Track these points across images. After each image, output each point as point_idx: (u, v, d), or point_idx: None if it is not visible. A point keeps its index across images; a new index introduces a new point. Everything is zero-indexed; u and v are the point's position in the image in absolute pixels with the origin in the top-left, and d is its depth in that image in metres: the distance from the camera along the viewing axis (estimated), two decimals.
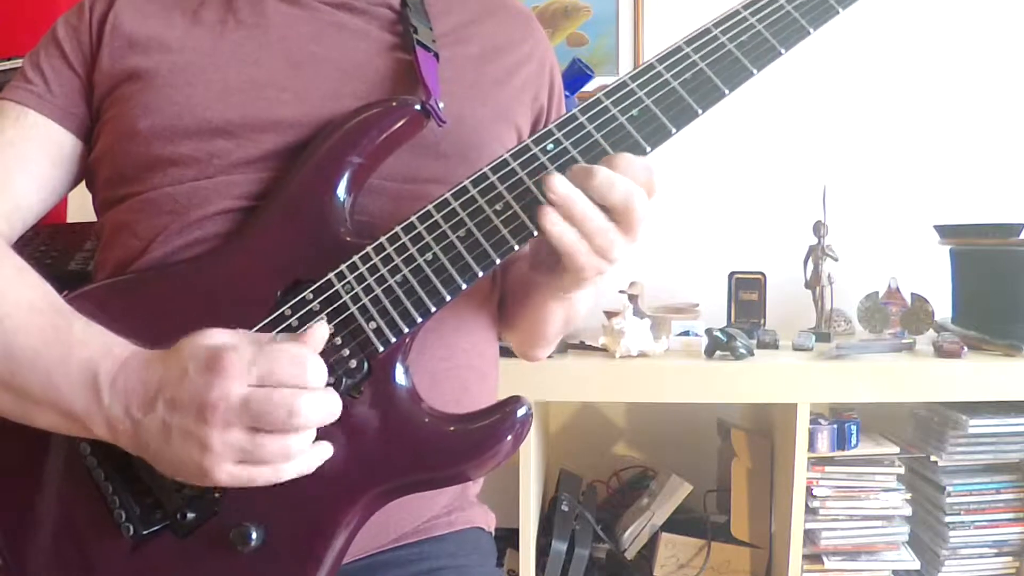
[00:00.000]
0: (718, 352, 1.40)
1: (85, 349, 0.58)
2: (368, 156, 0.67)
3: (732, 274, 1.67)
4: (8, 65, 1.16)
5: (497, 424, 0.60)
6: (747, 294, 1.65)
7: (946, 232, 1.60)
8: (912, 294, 1.65)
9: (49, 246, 1.07)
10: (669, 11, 1.83)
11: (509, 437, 0.60)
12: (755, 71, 0.64)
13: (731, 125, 1.76)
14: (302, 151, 0.68)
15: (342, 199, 0.66)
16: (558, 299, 0.72)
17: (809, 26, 0.65)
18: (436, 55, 0.74)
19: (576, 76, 1.41)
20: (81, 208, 0.97)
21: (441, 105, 0.69)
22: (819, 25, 0.65)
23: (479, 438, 0.61)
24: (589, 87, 1.49)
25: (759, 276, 1.66)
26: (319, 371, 0.55)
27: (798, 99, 1.79)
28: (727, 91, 0.63)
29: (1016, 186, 1.81)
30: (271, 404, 0.53)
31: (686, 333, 1.53)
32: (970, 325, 1.51)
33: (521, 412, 0.61)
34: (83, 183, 0.77)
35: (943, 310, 1.61)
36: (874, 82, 1.81)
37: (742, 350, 1.38)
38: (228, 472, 0.54)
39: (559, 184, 0.58)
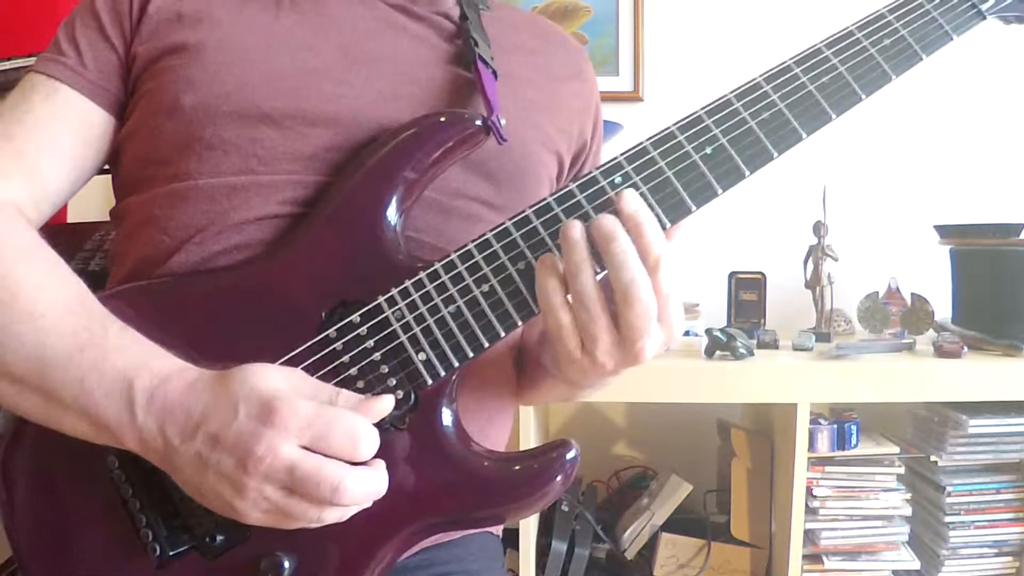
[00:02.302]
0: (718, 352, 1.39)
1: (121, 357, 0.55)
2: (422, 171, 0.63)
3: (732, 274, 1.67)
4: (8, 65, 1.16)
5: (547, 465, 0.58)
6: (747, 294, 1.65)
7: (946, 232, 1.60)
8: (912, 294, 1.64)
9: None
10: (669, 11, 1.82)
11: (559, 477, 0.58)
12: (834, 115, 0.61)
13: None
14: (351, 156, 0.65)
15: (394, 216, 0.62)
16: (560, 394, 0.69)
17: (892, 72, 0.62)
18: (495, 72, 0.71)
19: None
20: (81, 208, 0.97)
21: (503, 122, 0.66)
22: (902, 71, 0.62)
23: (529, 478, 0.58)
24: None
25: (759, 276, 1.65)
26: (372, 446, 0.53)
27: None
28: (805, 135, 0.60)
29: (1016, 186, 1.80)
30: (318, 477, 0.51)
31: (686, 333, 1.52)
32: (970, 325, 1.50)
33: (570, 455, 0.59)
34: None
35: (943, 310, 1.61)
36: None
37: (742, 350, 1.37)
38: (257, 518, 0.53)
39: (573, 231, 0.54)
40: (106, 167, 0.74)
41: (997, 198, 1.79)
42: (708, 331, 1.42)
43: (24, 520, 0.62)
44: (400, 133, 0.64)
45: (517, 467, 0.59)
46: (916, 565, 1.42)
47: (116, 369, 0.55)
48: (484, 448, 0.60)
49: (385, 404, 0.56)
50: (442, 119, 0.64)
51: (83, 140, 0.69)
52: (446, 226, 0.66)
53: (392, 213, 0.62)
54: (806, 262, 1.66)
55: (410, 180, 0.63)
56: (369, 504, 0.55)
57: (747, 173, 0.59)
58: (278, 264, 0.62)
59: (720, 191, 0.59)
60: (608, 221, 0.54)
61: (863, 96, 0.61)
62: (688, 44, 1.82)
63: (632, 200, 0.54)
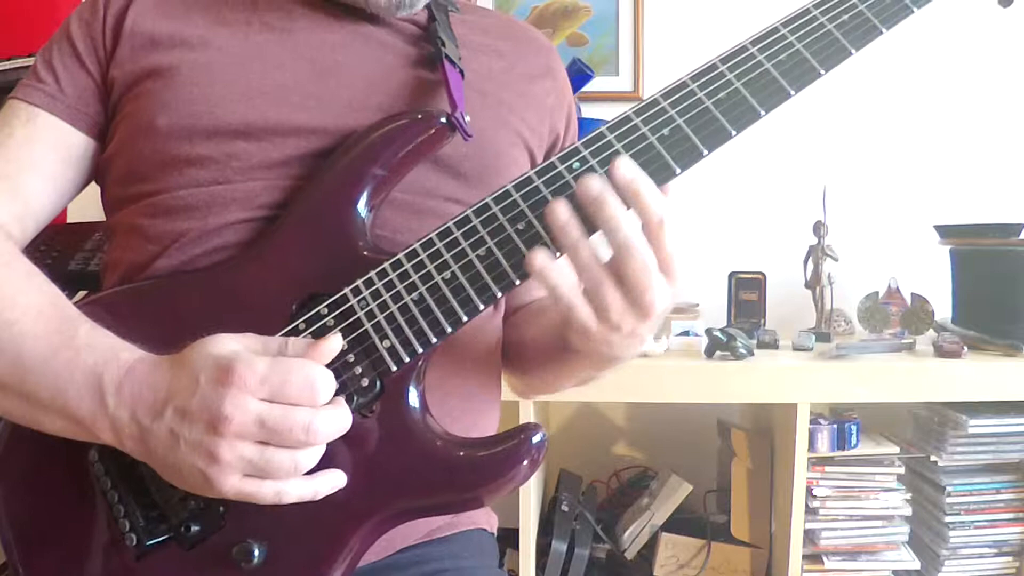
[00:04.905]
0: (718, 352, 1.40)
1: (91, 354, 0.57)
2: (391, 169, 0.65)
3: (732, 274, 1.67)
4: (8, 65, 1.16)
5: (513, 450, 0.59)
6: (747, 294, 1.65)
7: (946, 232, 1.60)
8: (912, 294, 1.65)
9: (49, 246, 1.07)
10: (669, 11, 1.82)
11: (525, 462, 0.59)
12: (793, 92, 0.61)
13: None
14: (324, 159, 0.67)
15: (363, 212, 0.64)
16: (587, 373, 0.70)
17: (851, 46, 0.62)
18: (462, 72, 0.72)
19: (576, 76, 1.42)
20: (81, 208, 0.97)
21: (467, 119, 0.68)
22: (861, 46, 0.62)
23: (495, 463, 0.59)
24: (589, 87, 1.49)
25: (759, 276, 1.66)
26: (329, 389, 0.55)
27: (798, 99, 1.78)
28: (763, 112, 0.60)
29: (1016, 186, 1.80)
30: (289, 422, 0.53)
31: (686, 333, 1.53)
32: (970, 325, 1.51)
33: (536, 439, 0.59)
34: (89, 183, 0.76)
35: (943, 310, 1.61)
36: (874, 82, 1.81)
37: (742, 350, 1.38)
38: (233, 485, 0.54)
39: (560, 212, 0.55)
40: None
41: (997, 198, 1.79)
42: (708, 331, 1.42)
43: (11, 518, 0.64)
44: (368, 134, 0.66)
45: (483, 452, 0.60)
46: (916, 565, 1.43)
47: (87, 365, 0.57)
48: (451, 434, 0.61)
49: (333, 344, 0.57)
50: (407, 118, 0.67)
51: (64, 161, 0.71)
52: (420, 226, 0.66)
53: (361, 210, 0.64)
54: (806, 262, 1.67)
55: (379, 178, 0.65)
56: (336, 436, 0.56)
57: (705, 152, 0.60)
58: (252, 263, 0.65)
59: (679, 171, 0.59)
60: (595, 186, 0.55)
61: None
62: (688, 44, 1.81)
63: (626, 168, 0.56)
